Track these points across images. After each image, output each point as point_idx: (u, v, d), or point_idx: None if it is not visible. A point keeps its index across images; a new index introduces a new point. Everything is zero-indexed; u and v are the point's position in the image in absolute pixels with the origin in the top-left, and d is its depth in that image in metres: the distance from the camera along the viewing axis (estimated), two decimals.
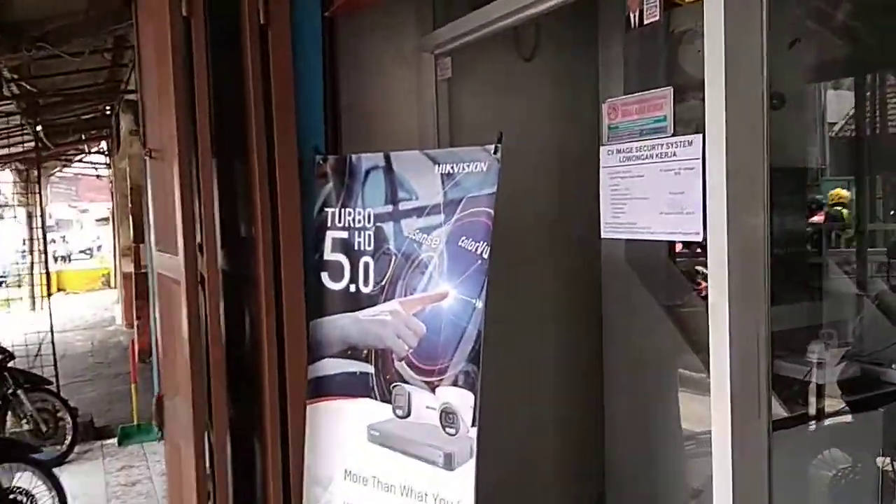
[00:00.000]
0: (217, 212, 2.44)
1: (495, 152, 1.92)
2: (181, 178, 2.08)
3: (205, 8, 2.05)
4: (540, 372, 2.96)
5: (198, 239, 2.20)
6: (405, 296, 2.10)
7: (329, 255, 2.26)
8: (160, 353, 2.86)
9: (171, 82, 2.03)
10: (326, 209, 2.29)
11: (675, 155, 1.69)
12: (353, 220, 2.23)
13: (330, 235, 2.27)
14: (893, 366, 2.97)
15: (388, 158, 2.18)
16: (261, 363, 2.25)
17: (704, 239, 1.62)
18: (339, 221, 2.26)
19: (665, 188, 1.72)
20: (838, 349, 3.02)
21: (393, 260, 2.13)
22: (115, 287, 15.07)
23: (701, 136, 1.61)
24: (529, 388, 2.89)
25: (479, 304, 1.93)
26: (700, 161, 1.62)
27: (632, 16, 1.78)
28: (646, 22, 1.72)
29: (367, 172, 2.23)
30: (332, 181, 2.29)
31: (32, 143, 9.32)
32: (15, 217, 13.73)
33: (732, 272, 1.54)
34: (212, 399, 2.18)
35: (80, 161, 15.10)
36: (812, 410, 2.64)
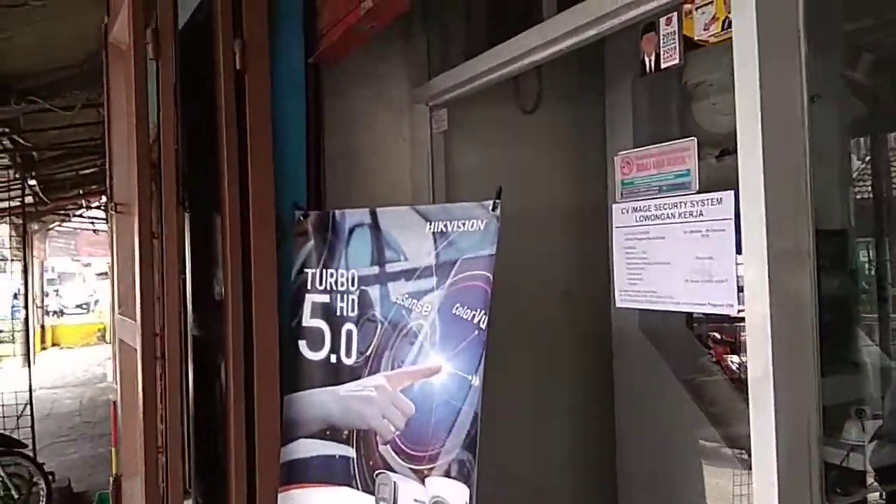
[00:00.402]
0: (188, 271, 2.22)
1: (494, 209, 1.71)
2: (141, 233, 1.86)
3: (175, 50, 1.87)
4: (545, 445, 2.68)
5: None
6: (392, 369, 1.85)
7: (308, 321, 2.03)
8: (120, 429, 2.59)
9: (134, 126, 1.84)
10: (306, 270, 2.06)
11: (701, 214, 1.47)
12: (336, 282, 2.00)
13: (309, 299, 2.03)
14: None
15: (374, 215, 1.97)
16: (227, 442, 1.98)
17: (740, 311, 1.38)
18: (320, 284, 2.03)
19: (690, 252, 1.49)
20: (872, 422, 2.75)
21: (379, 328, 1.89)
22: (110, 342, 14.74)
23: (732, 192, 1.40)
24: (535, 460, 2.62)
25: (476, 382, 1.69)
26: (732, 221, 1.40)
27: (647, 60, 1.59)
28: (663, 66, 1.53)
29: (352, 230, 2.01)
30: (313, 239, 2.08)
31: (30, 198, 9.18)
32: (11, 273, 13.52)
33: (777, 344, 1.31)
34: (168, 484, 1.91)
35: (80, 216, 15.00)
36: (853, 501, 2.34)
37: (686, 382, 2.78)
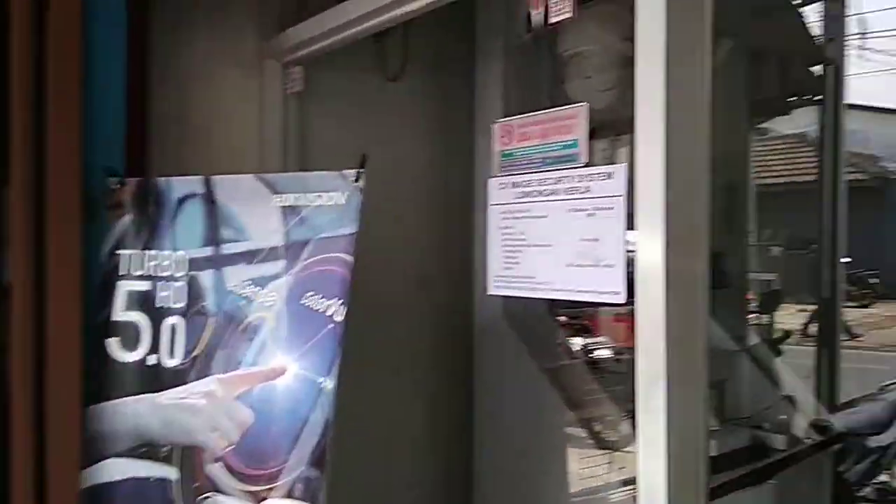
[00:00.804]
0: None
1: (357, 180, 1.46)
2: None
3: None
4: (400, 445, 2.47)
5: None
6: (226, 371, 1.55)
7: (121, 314, 1.66)
8: None
9: None
10: (120, 251, 1.69)
11: (588, 190, 1.31)
12: (158, 266, 1.66)
13: (123, 287, 1.67)
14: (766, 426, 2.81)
15: (208, 184, 1.64)
16: (10, 465, 1.58)
17: (630, 300, 1.23)
18: (138, 268, 1.67)
19: (575, 233, 1.33)
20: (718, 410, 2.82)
21: (211, 322, 1.59)
22: None
23: (624, 166, 1.24)
24: (388, 461, 2.41)
25: (329, 384, 1.44)
26: (623, 199, 1.24)
27: (532, 15, 1.39)
28: (553, 20, 1.35)
29: (181, 202, 1.67)
30: (130, 213, 1.71)
31: None
32: None
33: (672, 336, 1.16)
34: None
35: None
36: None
37: (548, 370, 2.70)
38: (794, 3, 3.40)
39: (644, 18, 1.17)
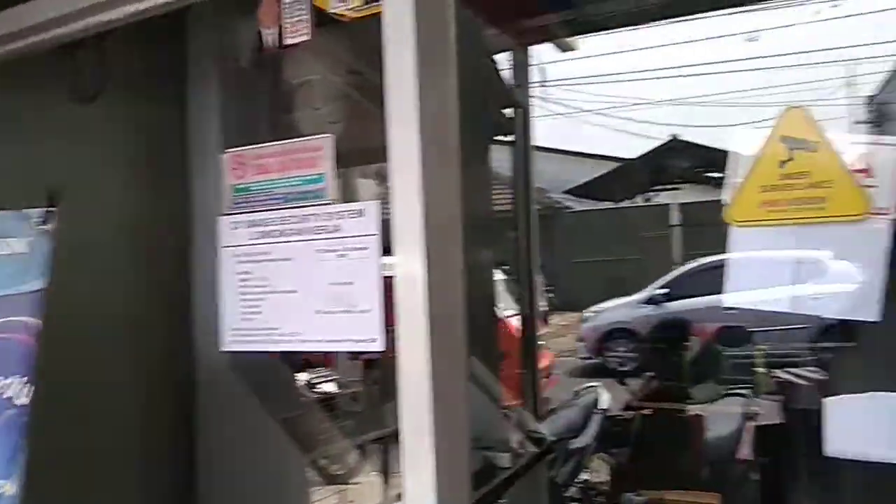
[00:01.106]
0: None
1: (44, 222, 1.16)
2: None
3: None
4: None
5: None
6: None
7: None
8: None
9: None
10: None
11: (338, 229, 1.20)
12: None
13: None
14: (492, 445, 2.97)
15: None
16: None
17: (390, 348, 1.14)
18: None
19: (325, 277, 1.21)
20: None
21: None
22: None
23: (378, 202, 1.16)
24: None
25: (10, 489, 1.10)
26: (378, 238, 1.16)
27: (264, 35, 1.25)
28: (288, 42, 1.22)
29: None
30: None
31: None
32: None
33: (437, 385, 1.10)
34: None
35: None
36: None
37: (282, 419, 2.52)
38: (488, 49, 3.73)
39: (392, 48, 1.11)
